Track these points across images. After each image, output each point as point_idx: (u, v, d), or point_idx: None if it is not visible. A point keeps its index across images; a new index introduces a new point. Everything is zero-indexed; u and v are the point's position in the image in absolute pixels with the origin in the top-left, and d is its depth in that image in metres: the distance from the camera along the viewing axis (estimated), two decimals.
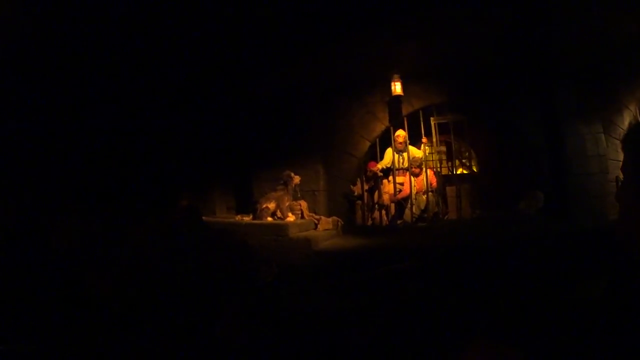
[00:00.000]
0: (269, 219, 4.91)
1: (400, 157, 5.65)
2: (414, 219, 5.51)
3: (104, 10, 4.22)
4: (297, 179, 5.02)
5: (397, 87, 5.35)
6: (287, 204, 4.98)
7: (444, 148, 6.29)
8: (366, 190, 5.67)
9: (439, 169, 6.10)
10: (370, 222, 5.64)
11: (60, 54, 4.63)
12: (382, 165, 5.67)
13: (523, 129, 5.71)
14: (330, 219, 5.13)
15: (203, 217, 5.31)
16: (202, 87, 5.32)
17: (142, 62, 4.90)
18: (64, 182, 4.72)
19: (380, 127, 5.56)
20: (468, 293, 2.26)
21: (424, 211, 5.61)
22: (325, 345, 1.77)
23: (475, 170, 6.69)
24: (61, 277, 2.66)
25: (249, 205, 5.45)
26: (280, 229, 4.58)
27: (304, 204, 5.22)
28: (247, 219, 5.04)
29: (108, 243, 3.34)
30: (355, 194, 5.66)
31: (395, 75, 5.38)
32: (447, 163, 6.65)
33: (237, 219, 5.14)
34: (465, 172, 6.42)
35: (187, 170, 5.56)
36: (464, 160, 6.49)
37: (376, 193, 5.69)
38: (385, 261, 3.69)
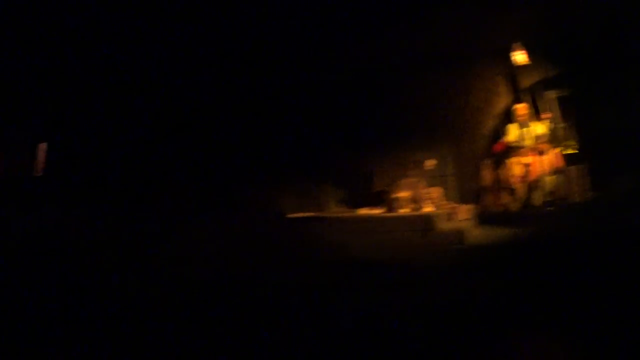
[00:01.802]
0: (403, 210, 4.25)
1: (526, 132, 5.06)
2: (544, 203, 4.95)
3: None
4: (431, 162, 4.38)
5: (521, 57, 4.81)
6: (423, 191, 4.34)
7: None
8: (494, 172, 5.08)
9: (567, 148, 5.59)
10: (500, 209, 5.04)
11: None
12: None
13: (629, 107, 5.34)
14: (467, 208, 4.52)
15: (313, 214, 4.63)
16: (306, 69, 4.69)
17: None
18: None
19: (503, 102, 4.99)
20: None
21: (550, 194, 5.07)
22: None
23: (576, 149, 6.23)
24: (89, 275, 2.66)
25: (368, 196, 4.77)
26: (424, 222, 4.00)
27: (437, 191, 4.58)
28: (377, 212, 4.37)
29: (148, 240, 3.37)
30: (484, 183, 5.05)
31: (517, 45, 4.85)
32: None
33: (362, 213, 4.44)
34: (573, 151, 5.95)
35: (289, 164, 4.87)
36: (566, 143, 6.02)
37: (504, 176, 5.11)
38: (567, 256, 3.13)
